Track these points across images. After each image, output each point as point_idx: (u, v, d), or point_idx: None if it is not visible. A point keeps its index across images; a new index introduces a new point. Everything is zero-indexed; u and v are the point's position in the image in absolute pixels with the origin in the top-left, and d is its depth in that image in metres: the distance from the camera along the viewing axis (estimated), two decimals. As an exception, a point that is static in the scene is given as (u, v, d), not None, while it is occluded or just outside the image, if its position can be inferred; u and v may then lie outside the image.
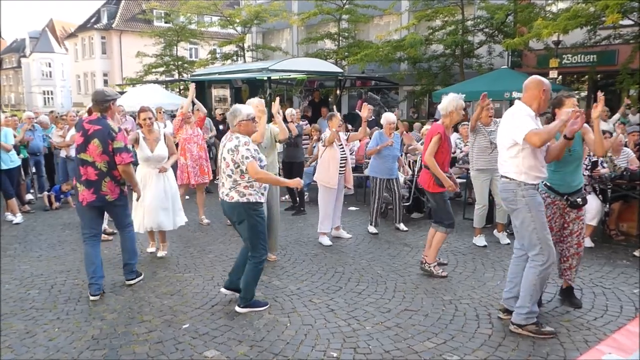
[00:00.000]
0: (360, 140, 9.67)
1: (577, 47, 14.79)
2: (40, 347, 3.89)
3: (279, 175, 6.47)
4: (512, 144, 3.99)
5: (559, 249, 4.56)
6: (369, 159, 9.45)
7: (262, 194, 4.52)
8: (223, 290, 4.89)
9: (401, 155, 7.96)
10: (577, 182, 4.42)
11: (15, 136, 8.57)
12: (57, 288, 5.13)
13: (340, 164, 6.82)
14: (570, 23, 11.63)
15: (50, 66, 58.25)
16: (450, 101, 5.43)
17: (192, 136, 7.84)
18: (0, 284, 5.24)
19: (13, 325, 4.27)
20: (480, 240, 6.64)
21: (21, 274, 5.55)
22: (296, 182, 4.71)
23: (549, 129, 3.86)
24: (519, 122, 3.93)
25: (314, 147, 10.10)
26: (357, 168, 10.12)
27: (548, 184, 4.44)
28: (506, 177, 4.10)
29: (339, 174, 6.82)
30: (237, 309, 4.54)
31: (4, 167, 8.06)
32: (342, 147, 6.92)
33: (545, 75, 14.65)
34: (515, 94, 11.52)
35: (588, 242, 6.42)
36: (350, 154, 9.86)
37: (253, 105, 5.94)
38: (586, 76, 17.11)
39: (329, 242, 6.78)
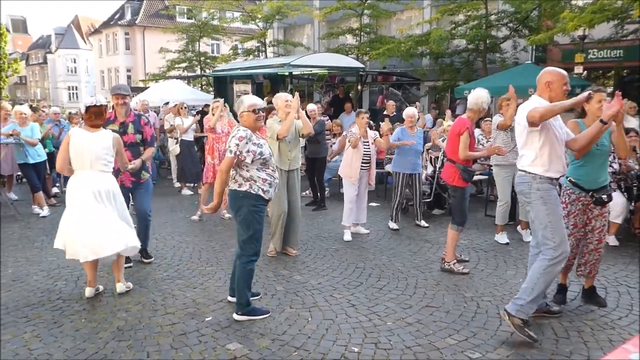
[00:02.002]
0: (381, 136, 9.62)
1: (604, 42, 14.51)
2: (68, 337, 3.98)
3: (299, 171, 6.44)
4: (523, 131, 3.93)
5: (582, 246, 4.51)
6: (391, 154, 9.47)
7: (265, 190, 4.24)
8: (229, 298, 4.65)
9: (423, 152, 7.90)
10: (603, 179, 4.32)
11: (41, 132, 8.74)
12: (82, 280, 5.22)
13: (364, 160, 6.83)
14: (596, 17, 11.40)
15: (75, 62, 59.19)
16: (482, 97, 5.39)
17: (222, 136, 7.82)
18: (0, 278, 5.32)
19: (41, 315, 4.37)
20: (502, 238, 6.59)
21: (48, 266, 5.67)
22: (213, 209, 4.22)
23: (553, 105, 3.73)
24: (527, 107, 3.86)
25: (334, 143, 10.10)
26: (378, 164, 10.09)
27: (573, 179, 4.37)
28: (522, 170, 4.04)
29: (362, 169, 6.83)
30: (235, 316, 4.30)
31: (31, 161, 8.25)
32: (367, 144, 6.91)
33: (570, 70, 14.44)
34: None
35: (613, 241, 6.34)
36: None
37: (281, 100, 5.94)
38: (612, 72, 16.80)
39: (350, 237, 6.80)
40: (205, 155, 8.09)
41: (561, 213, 4.00)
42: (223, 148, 7.72)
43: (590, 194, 4.31)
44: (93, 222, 4.49)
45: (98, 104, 4.59)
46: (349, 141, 6.89)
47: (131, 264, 5.63)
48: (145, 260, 5.80)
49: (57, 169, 4.76)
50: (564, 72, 3.96)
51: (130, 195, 5.64)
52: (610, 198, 4.34)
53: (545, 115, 3.71)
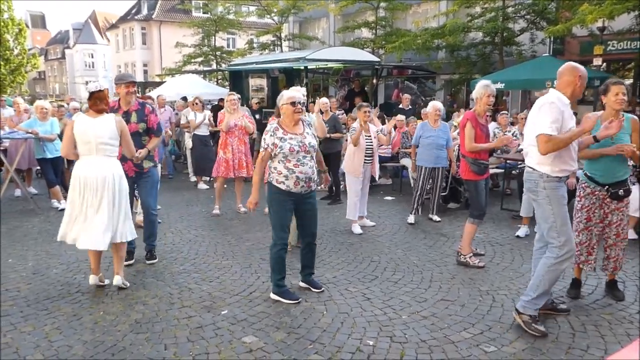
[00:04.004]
0: (396, 130, 9.58)
1: (624, 33, 14.27)
2: (87, 330, 4.04)
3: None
4: (532, 132, 3.90)
5: (602, 240, 4.46)
6: (405, 148, 9.44)
7: (280, 181, 4.46)
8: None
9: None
10: (621, 173, 4.26)
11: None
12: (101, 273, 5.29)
13: (367, 153, 6.83)
14: (616, 8, 11.21)
15: (92, 57, 59.70)
16: (481, 86, 5.42)
17: (234, 130, 7.82)
18: (0, 272, 5.37)
19: (61, 308, 4.44)
20: (522, 231, 6.55)
21: (68, 259, 5.75)
22: (252, 203, 4.60)
23: (564, 139, 3.70)
24: (543, 115, 3.77)
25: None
26: (394, 158, 10.08)
27: (588, 173, 4.34)
28: (530, 167, 3.98)
29: (365, 163, 6.84)
30: (271, 294, 4.64)
31: (48, 156, 8.37)
32: (369, 138, 6.90)
33: (589, 62, 14.23)
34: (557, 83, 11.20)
35: (631, 234, 6.24)
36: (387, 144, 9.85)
37: (322, 103, 6.07)
38: (632, 63, 16.51)
39: (360, 230, 6.81)
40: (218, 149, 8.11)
41: (566, 212, 3.91)
42: (236, 142, 7.78)
43: (606, 188, 4.27)
44: (93, 215, 4.61)
45: (102, 89, 4.67)
46: (350, 137, 6.89)
47: (132, 262, 5.51)
48: (147, 262, 5.57)
49: (62, 154, 4.90)
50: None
51: (134, 185, 5.44)
52: (627, 193, 4.28)
53: (555, 149, 3.73)
